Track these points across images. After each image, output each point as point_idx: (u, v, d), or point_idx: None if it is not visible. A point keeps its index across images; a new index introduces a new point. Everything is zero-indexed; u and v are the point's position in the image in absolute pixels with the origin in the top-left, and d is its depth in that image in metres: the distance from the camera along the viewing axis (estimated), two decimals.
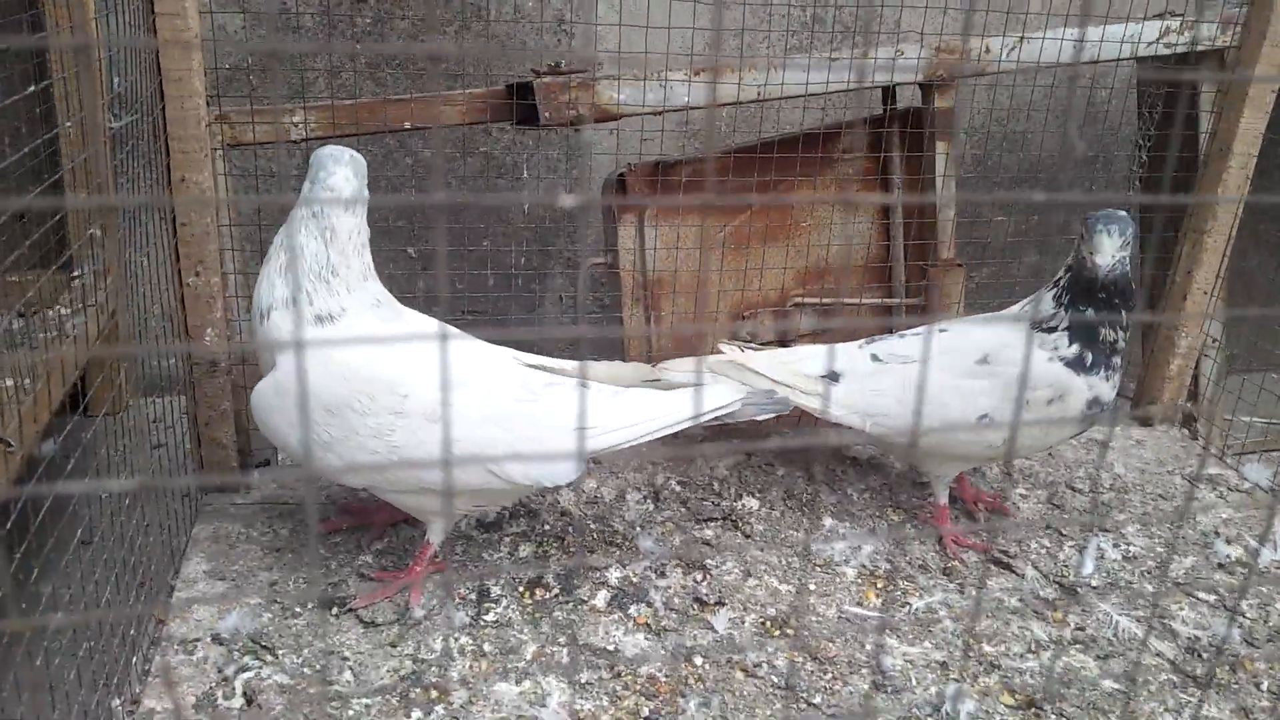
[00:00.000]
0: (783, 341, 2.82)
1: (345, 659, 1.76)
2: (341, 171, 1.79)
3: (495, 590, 1.96)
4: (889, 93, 2.78)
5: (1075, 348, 1.94)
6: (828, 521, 2.27)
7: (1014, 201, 3.25)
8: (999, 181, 3.51)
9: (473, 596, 1.95)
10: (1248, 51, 2.42)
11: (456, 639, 1.83)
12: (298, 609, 1.88)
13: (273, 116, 2.20)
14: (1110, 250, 1.86)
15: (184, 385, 2.18)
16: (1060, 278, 1.99)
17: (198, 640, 1.77)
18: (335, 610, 1.88)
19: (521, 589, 1.98)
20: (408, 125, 2.40)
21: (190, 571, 1.97)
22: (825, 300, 2.83)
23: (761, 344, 2.77)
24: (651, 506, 2.29)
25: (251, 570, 1.98)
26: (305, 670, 1.73)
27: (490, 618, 1.89)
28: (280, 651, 1.75)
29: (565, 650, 1.82)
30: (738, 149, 2.67)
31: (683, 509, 2.29)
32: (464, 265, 2.83)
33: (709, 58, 2.52)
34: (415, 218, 3.28)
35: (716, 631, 1.91)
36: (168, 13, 1.86)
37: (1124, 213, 1.90)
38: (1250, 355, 3.00)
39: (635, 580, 2.03)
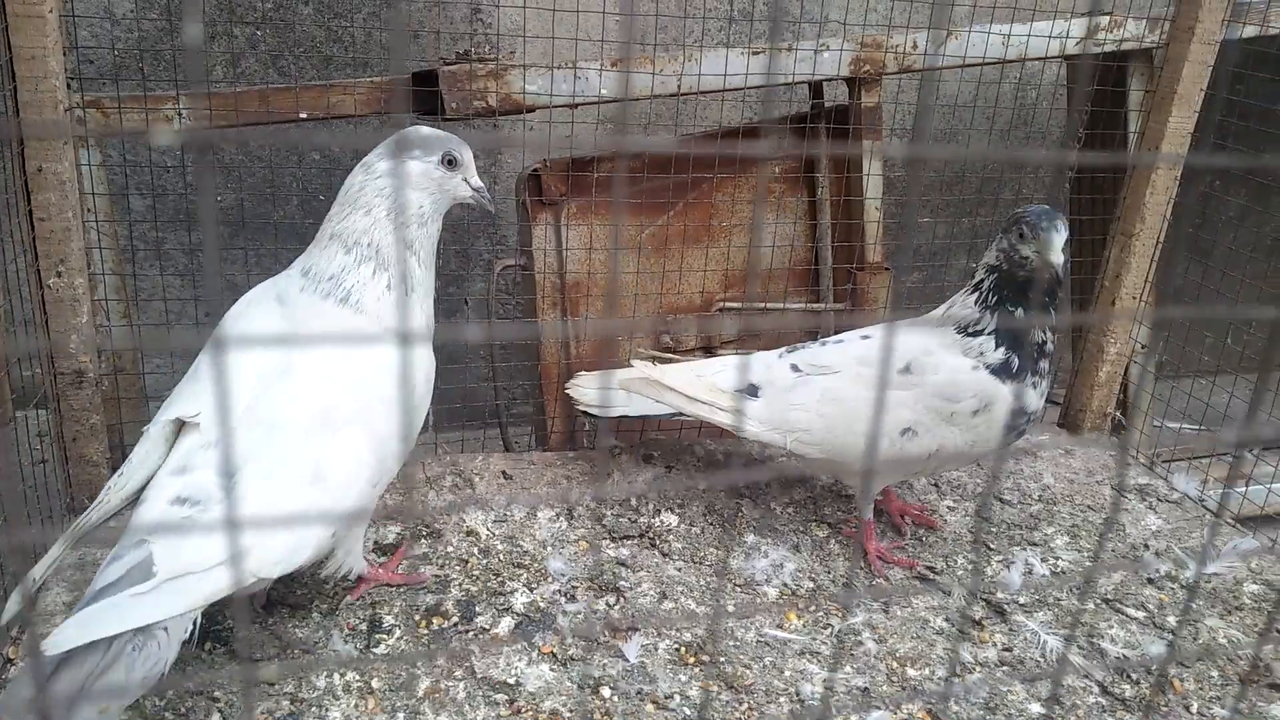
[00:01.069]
0: (706, 347, 2.71)
1: (214, 700, 1.59)
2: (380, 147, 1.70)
3: (389, 619, 1.81)
4: (815, 89, 2.68)
5: (1002, 351, 1.86)
6: (750, 538, 2.15)
7: (953, 162, 3.19)
8: (929, 183, 3.45)
9: (363, 627, 1.79)
10: (1176, 49, 2.36)
11: (342, 674, 1.67)
12: None
13: (146, 103, 2.02)
14: (1060, 246, 1.77)
15: (47, 398, 1.99)
16: (982, 280, 1.89)
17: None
18: (208, 645, 1.72)
19: (418, 618, 1.83)
20: (303, 115, 2.24)
21: (49, 603, 1.78)
22: (750, 304, 2.72)
23: (684, 351, 2.66)
24: (565, 524, 2.16)
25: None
26: (168, 714, 1.56)
27: (381, 650, 1.74)
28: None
29: (461, 685, 1.68)
30: (657, 145, 2.55)
31: (598, 526, 2.16)
32: None
33: (624, 47, 2.39)
34: (323, 216, 3.10)
35: (628, 660, 1.78)
36: None
37: (1054, 209, 1.82)
38: (1179, 362, 2.96)
39: (542, 605, 1.89)
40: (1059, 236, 1.76)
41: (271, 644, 1.73)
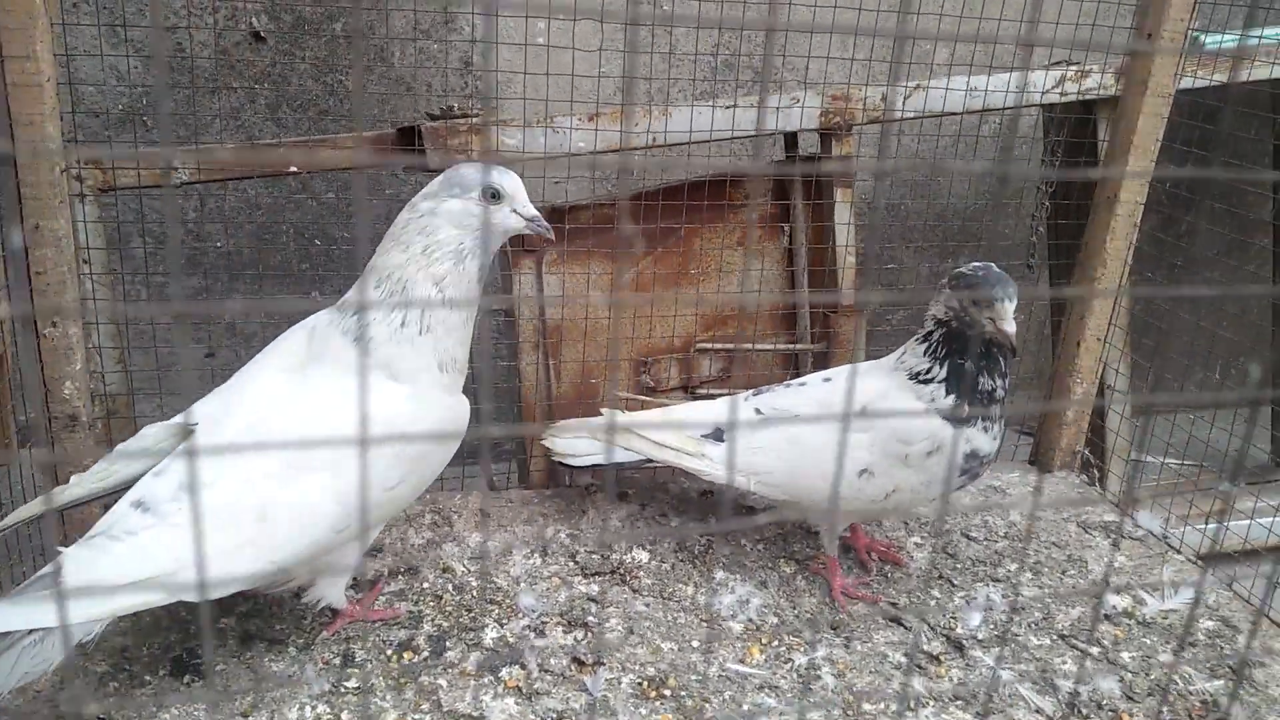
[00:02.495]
0: (685, 387, 2.79)
1: None
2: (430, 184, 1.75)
3: (360, 654, 1.89)
4: (791, 139, 2.78)
5: (951, 399, 1.92)
6: (719, 574, 2.22)
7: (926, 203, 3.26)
8: (911, 225, 3.53)
9: (336, 661, 1.86)
10: (1131, 101, 2.44)
11: (313, 708, 1.74)
12: (147, 676, 1.79)
13: (142, 161, 2.14)
14: (1012, 314, 1.82)
15: (44, 440, 2.09)
16: (932, 331, 1.96)
17: (32, 715, 1.67)
18: (188, 678, 1.79)
19: (390, 653, 1.90)
20: (293, 169, 2.36)
21: None
22: (728, 346, 2.81)
23: (663, 391, 2.74)
24: (538, 560, 2.23)
25: (104, 634, 1.87)
26: None
27: (352, 684, 1.81)
28: None
29: (428, 718, 1.75)
30: (635, 194, 2.65)
31: (571, 563, 2.23)
32: None
33: (596, 104, 2.49)
34: (318, 261, 3.21)
35: (591, 694, 1.84)
36: (16, 55, 1.80)
37: (999, 270, 1.87)
38: (1147, 401, 3.01)
39: (512, 641, 1.96)
40: (1010, 305, 1.81)
41: (247, 677, 1.80)
